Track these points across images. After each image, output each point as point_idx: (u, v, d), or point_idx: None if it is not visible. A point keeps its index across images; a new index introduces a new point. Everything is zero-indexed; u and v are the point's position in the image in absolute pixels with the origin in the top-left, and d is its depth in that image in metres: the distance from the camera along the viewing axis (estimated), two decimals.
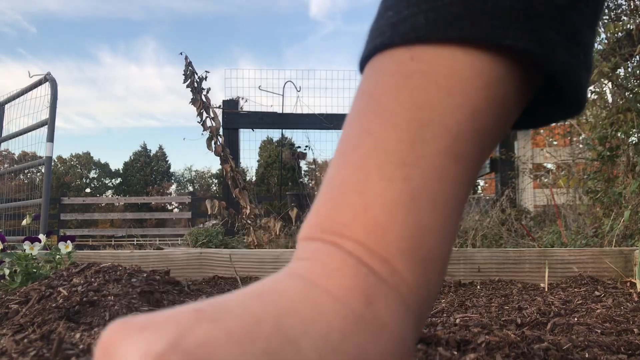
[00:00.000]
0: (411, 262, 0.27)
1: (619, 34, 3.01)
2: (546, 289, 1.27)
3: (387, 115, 0.28)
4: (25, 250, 1.26)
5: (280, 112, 5.37)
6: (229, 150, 3.39)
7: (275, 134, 6.58)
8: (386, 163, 0.27)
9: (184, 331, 0.22)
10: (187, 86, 3.27)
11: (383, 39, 0.30)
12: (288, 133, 5.84)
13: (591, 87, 3.28)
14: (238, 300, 0.25)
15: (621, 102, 2.80)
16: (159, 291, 1.06)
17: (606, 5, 3.08)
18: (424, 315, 0.29)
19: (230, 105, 5.19)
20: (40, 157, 3.96)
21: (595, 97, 3.14)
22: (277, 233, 3.10)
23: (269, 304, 0.24)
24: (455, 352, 0.61)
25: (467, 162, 0.28)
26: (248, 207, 3.16)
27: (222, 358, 0.21)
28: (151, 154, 44.85)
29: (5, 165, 6.11)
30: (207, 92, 3.28)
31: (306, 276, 0.26)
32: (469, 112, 0.28)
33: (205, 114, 3.22)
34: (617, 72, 2.92)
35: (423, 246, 0.27)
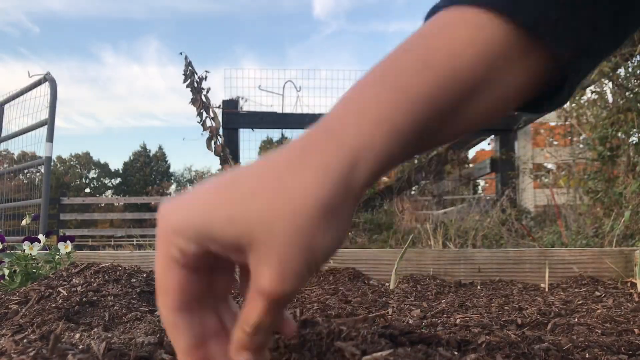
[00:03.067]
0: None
1: None
2: (546, 289, 1.27)
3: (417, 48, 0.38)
4: (24, 250, 1.26)
5: (281, 112, 5.36)
6: (229, 150, 3.39)
7: (275, 134, 6.58)
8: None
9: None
10: (187, 86, 3.27)
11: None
12: (288, 133, 5.83)
13: (591, 87, 3.27)
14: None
15: (621, 102, 2.80)
16: None
17: None
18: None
19: (230, 105, 5.18)
20: (40, 157, 3.96)
21: (596, 97, 3.14)
22: None
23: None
24: (456, 353, 0.60)
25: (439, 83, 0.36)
26: None
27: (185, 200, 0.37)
28: (151, 154, 44.82)
29: (5, 165, 6.12)
30: (207, 92, 3.28)
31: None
32: (452, 56, 0.35)
33: (205, 114, 3.22)
34: (618, 72, 2.92)
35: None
